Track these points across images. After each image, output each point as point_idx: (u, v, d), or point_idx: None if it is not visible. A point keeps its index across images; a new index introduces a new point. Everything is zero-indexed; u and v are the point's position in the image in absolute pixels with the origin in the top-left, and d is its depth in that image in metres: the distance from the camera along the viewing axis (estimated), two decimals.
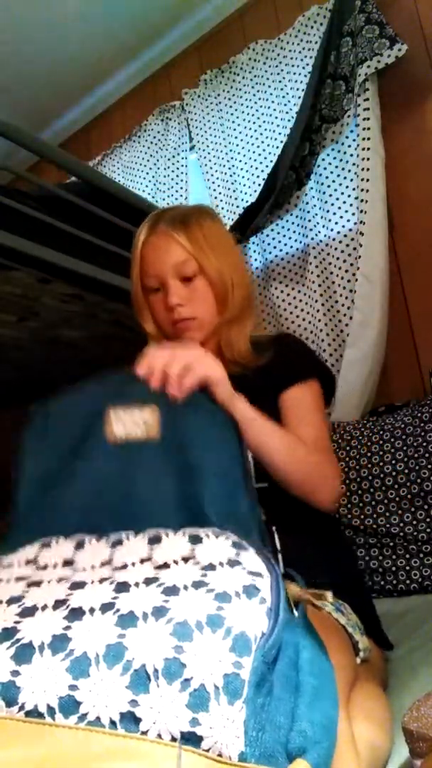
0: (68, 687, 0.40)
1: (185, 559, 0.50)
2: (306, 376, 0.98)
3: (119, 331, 1.61)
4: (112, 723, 0.39)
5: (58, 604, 0.47)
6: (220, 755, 0.37)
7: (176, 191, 2.12)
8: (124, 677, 0.40)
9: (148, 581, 0.48)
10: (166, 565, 0.50)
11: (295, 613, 0.52)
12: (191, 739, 0.37)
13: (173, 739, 0.37)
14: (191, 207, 1.07)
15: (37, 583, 0.52)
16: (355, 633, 0.73)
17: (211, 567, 0.49)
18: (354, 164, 1.68)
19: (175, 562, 0.50)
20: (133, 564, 0.51)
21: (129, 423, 0.61)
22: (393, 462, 1.28)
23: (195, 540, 0.52)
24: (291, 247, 1.83)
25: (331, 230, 1.72)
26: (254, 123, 1.95)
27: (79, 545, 0.56)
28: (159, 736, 0.38)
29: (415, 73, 1.64)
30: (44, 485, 0.62)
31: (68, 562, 0.54)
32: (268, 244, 1.87)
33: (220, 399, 0.72)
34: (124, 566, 0.51)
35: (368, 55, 1.59)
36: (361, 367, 1.55)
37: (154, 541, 0.54)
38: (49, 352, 1.79)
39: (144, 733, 0.38)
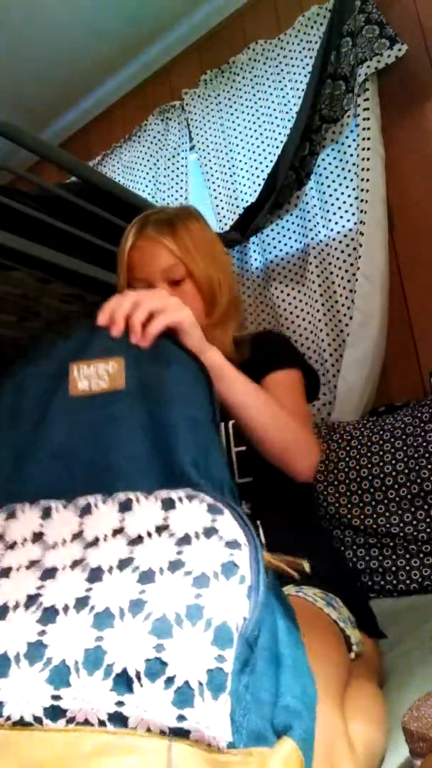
0: (51, 697, 0.40)
1: (159, 530, 0.48)
2: (287, 364, 0.97)
3: None
4: (101, 723, 0.39)
5: (30, 601, 0.46)
6: (209, 745, 0.37)
7: (176, 191, 2.12)
8: (106, 681, 0.40)
9: (122, 564, 0.46)
10: (139, 539, 0.48)
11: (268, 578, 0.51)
12: (179, 733, 0.38)
13: (162, 733, 0.38)
14: (177, 209, 1.07)
15: (6, 572, 0.49)
16: (347, 627, 0.72)
17: (186, 540, 0.47)
18: (354, 164, 1.68)
19: (149, 534, 0.48)
20: (105, 538, 0.49)
21: (93, 377, 0.58)
22: (393, 462, 1.28)
23: (168, 505, 0.50)
24: (291, 247, 1.84)
25: (331, 230, 1.72)
26: (254, 123, 1.95)
27: (46, 513, 0.52)
28: (148, 730, 0.38)
29: (415, 73, 1.64)
30: (15, 456, 0.59)
31: (37, 536, 0.51)
32: (268, 244, 1.87)
33: (190, 346, 0.67)
34: (96, 541, 0.49)
35: (368, 55, 1.59)
36: (361, 367, 1.55)
37: (125, 507, 0.50)
38: None
39: (133, 729, 0.38)
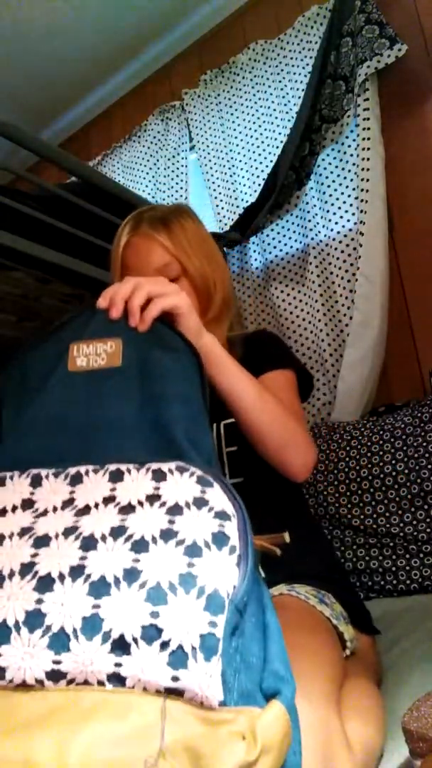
0: (52, 661, 0.42)
1: (150, 499, 0.49)
2: (281, 364, 0.96)
3: None
4: (100, 683, 0.41)
5: (25, 570, 0.47)
6: (201, 704, 0.39)
7: (176, 191, 2.12)
8: (104, 646, 0.42)
9: (115, 533, 0.47)
10: (131, 507, 0.49)
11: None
12: (174, 693, 0.40)
13: (158, 693, 0.40)
14: (171, 207, 1.06)
15: None
16: (340, 624, 0.72)
17: (177, 509, 0.48)
18: (354, 164, 1.68)
19: (140, 503, 0.49)
20: (96, 506, 0.50)
21: (91, 355, 0.61)
22: (393, 462, 1.28)
23: (159, 477, 0.51)
24: (291, 247, 1.83)
25: (331, 230, 1.72)
26: (254, 123, 1.95)
27: (36, 481, 0.53)
28: (145, 690, 0.40)
29: (415, 73, 1.64)
30: (14, 425, 0.61)
31: (27, 503, 0.52)
32: (268, 244, 1.87)
33: (186, 330, 0.69)
34: (87, 509, 0.50)
35: (368, 55, 1.59)
36: (361, 367, 1.55)
37: (116, 478, 0.52)
38: None
39: (131, 689, 0.40)
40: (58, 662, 0.42)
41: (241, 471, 0.90)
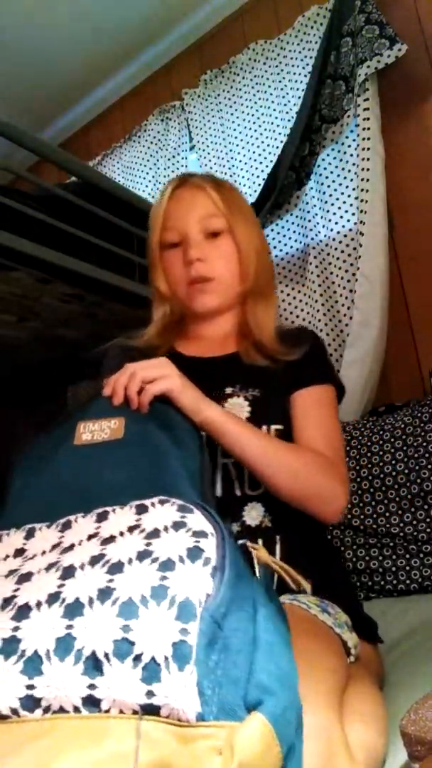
0: (25, 687, 0.41)
1: (131, 529, 0.50)
2: (326, 379, 0.93)
3: (119, 331, 1.61)
4: (76, 709, 0.40)
5: (6, 603, 0.47)
6: (179, 720, 0.38)
7: None
8: (77, 666, 0.41)
9: (94, 560, 0.48)
10: (112, 538, 0.50)
11: (257, 574, 0.53)
12: (150, 710, 0.39)
13: (135, 713, 0.39)
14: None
15: None
16: (343, 632, 0.72)
17: (155, 534, 0.49)
18: (354, 164, 1.68)
19: (121, 533, 0.50)
20: (80, 543, 0.51)
21: (96, 431, 0.66)
22: (393, 462, 1.28)
23: (141, 510, 0.53)
24: (291, 247, 1.83)
25: (331, 230, 1.72)
26: (254, 123, 1.95)
27: (30, 534, 0.55)
28: (121, 712, 0.39)
29: (415, 73, 1.64)
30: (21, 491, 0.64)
31: (19, 551, 0.54)
32: (268, 244, 1.87)
33: (182, 407, 0.74)
34: (71, 546, 0.51)
35: (368, 55, 1.59)
36: (361, 367, 1.55)
37: (102, 518, 0.54)
38: (49, 352, 1.79)
39: (106, 712, 0.39)
40: (31, 687, 0.41)
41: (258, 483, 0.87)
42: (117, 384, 0.73)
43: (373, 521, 1.26)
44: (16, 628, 0.44)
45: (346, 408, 1.55)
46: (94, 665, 0.41)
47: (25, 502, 0.61)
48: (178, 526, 0.49)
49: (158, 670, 0.39)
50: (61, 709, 0.40)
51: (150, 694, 0.39)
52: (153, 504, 0.53)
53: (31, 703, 0.41)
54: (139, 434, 0.66)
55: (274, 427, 0.85)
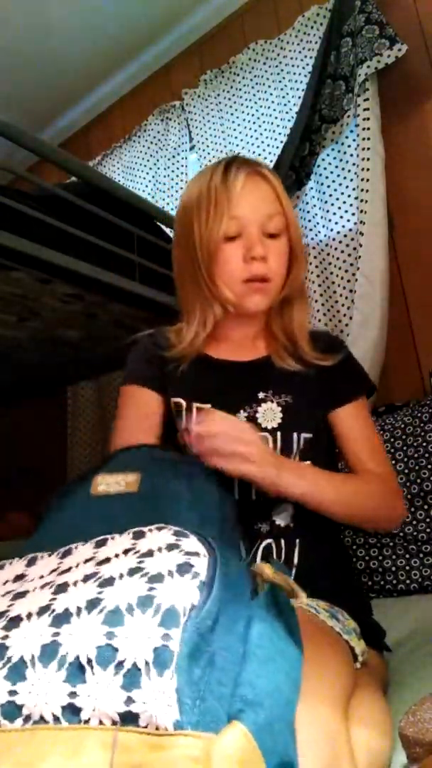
0: (8, 693, 0.41)
1: (126, 551, 0.51)
2: (362, 391, 0.92)
3: (119, 331, 1.61)
4: (56, 718, 0.40)
5: None
6: (157, 728, 0.38)
7: (176, 191, 2.12)
8: (60, 672, 0.41)
9: (87, 578, 0.49)
10: (107, 560, 0.51)
11: (259, 591, 0.54)
12: (129, 718, 0.38)
13: (114, 723, 0.38)
14: None
15: None
16: (351, 639, 0.71)
17: (149, 554, 0.50)
18: (354, 164, 1.68)
19: (116, 555, 0.51)
20: (77, 565, 0.52)
21: (111, 483, 0.68)
22: (393, 462, 1.28)
23: (138, 535, 0.54)
24: None
25: (331, 230, 1.72)
26: (254, 123, 1.95)
27: (31, 562, 0.57)
28: (100, 722, 0.39)
29: (415, 73, 1.64)
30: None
31: (19, 577, 0.55)
32: None
33: (262, 486, 0.75)
34: (68, 569, 0.52)
35: (368, 55, 1.59)
36: None
37: (101, 544, 0.55)
38: (49, 352, 1.79)
39: (86, 721, 0.39)
40: (13, 693, 0.41)
41: None
42: (209, 436, 0.73)
43: None
44: (5, 637, 0.45)
45: None
46: (77, 671, 0.41)
47: (37, 544, 0.63)
48: (171, 547, 0.50)
49: (138, 675, 0.39)
50: (42, 719, 0.40)
51: (129, 700, 0.39)
52: (150, 530, 0.54)
53: (12, 710, 0.41)
54: (155, 489, 0.68)
55: (303, 435, 0.85)
